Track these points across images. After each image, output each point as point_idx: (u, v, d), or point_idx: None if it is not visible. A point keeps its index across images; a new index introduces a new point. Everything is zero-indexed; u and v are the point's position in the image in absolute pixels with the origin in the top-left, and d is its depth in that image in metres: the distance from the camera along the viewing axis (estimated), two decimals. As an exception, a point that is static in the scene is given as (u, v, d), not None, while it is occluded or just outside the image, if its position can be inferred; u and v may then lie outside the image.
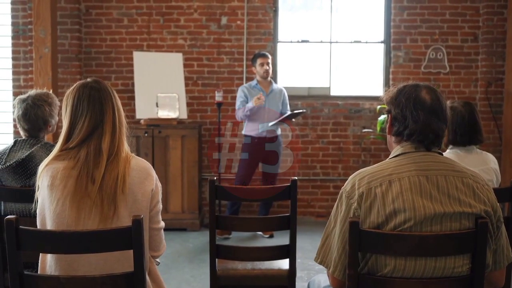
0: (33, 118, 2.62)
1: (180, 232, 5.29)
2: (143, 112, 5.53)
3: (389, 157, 1.85)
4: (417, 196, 1.69)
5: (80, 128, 1.90)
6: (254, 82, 5.33)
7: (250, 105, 5.08)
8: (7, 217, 1.69)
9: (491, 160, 2.83)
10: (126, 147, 1.96)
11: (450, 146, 2.82)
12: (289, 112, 5.25)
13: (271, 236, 5.24)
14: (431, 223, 1.68)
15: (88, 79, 2.00)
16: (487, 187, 1.78)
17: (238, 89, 5.37)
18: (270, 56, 5.32)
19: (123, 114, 2.00)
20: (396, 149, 1.84)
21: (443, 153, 1.87)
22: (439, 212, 1.68)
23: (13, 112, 2.73)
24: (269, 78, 5.31)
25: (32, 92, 2.70)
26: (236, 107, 5.28)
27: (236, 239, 5.16)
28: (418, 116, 1.76)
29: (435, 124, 1.77)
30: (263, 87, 5.28)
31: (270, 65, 5.29)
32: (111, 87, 2.01)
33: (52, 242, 1.74)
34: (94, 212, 1.83)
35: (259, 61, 5.25)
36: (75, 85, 1.98)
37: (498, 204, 1.78)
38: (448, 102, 2.65)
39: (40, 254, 1.91)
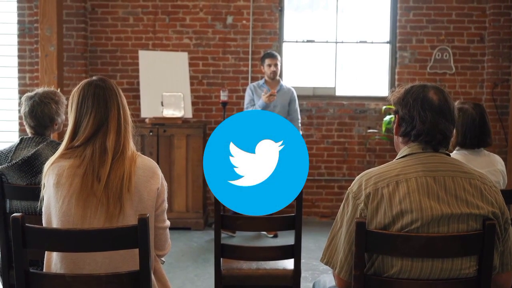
0: (39, 115, 2.62)
1: (184, 231, 5.29)
2: (148, 111, 5.53)
3: (396, 158, 1.84)
4: (424, 197, 1.68)
5: (85, 126, 1.89)
6: (262, 81, 5.33)
7: (261, 103, 5.05)
8: (13, 215, 1.69)
9: (498, 162, 2.81)
10: (132, 146, 1.95)
11: (457, 148, 2.80)
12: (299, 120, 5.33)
13: (275, 236, 5.23)
14: (438, 224, 1.68)
15: (94, 77, 1.99)
16: (495, 188, 1.76)
17: (247, 87, 5.38)
18: (279, 57, 5.30)
19: (128, 112, 1.99)
20: (403, 150, 1.83)
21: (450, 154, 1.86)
22: (446, 213, 1.67)
23: (19, 110, 2.73)
24: (277, 78, 5.31)
25: (39, 90, 2.71)
26: (244, 106, 5.29)
27: (241, 238, 5.16)
28: (425, 116, 1.75)
29: (443, 125, 1.76)
30: (270, 86, 5.27)
31: (279, 66, 5.28)
32: (116, 85, 2.01)
33: (58, 240, 1.73)
34: (100, 210, 1.83)
35: (267, 61, 5.24)
36: (80, 83, 1.97)
37: (505, 206, 1.77)
38: (457, 103, 2.63)
39: (46, 252, 1.90)
